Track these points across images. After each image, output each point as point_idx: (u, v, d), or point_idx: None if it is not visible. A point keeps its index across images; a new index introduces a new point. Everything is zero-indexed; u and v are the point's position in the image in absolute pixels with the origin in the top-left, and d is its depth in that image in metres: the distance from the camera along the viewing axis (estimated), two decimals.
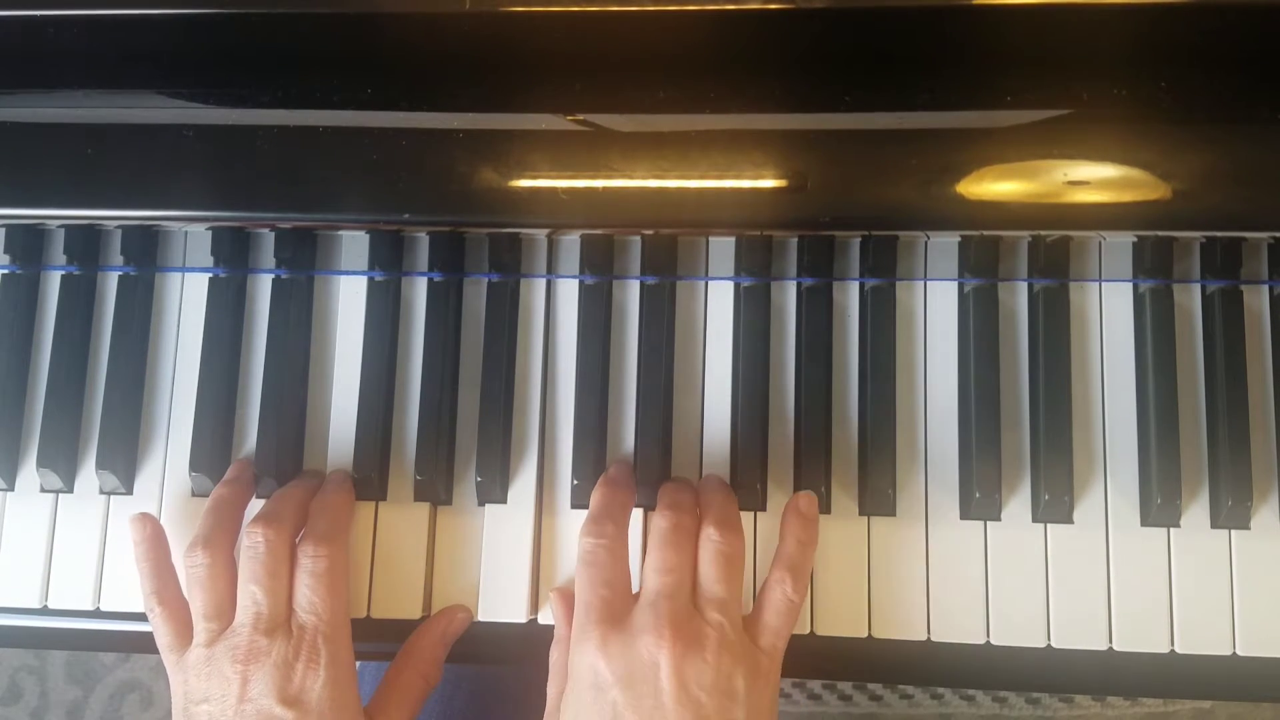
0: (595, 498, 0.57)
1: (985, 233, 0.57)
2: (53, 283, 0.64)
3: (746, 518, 0.59)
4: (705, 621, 0.52)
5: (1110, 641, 0.57)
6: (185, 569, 0.56)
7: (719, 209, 0.53)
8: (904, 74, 0.53)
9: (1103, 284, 0.60)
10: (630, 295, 0.62)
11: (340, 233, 0.62)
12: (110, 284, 0.64)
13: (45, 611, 0.62)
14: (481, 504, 0.61)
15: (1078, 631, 0.57)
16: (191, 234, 0.62)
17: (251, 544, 0.55)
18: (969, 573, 0.58)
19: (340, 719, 0.53)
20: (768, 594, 0.55)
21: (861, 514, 0.59)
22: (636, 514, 0.59)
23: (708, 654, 0.50)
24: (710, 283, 0.62)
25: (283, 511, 0.57)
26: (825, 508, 0.59)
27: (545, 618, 0.59)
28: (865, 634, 0.58)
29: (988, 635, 0.58)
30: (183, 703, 0.54)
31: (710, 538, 0.54)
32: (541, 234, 0.60)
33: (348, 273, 0.63)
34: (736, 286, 0.61)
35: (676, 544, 0.53)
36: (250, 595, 0.54)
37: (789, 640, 0.55)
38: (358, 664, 0.58)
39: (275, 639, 0.53)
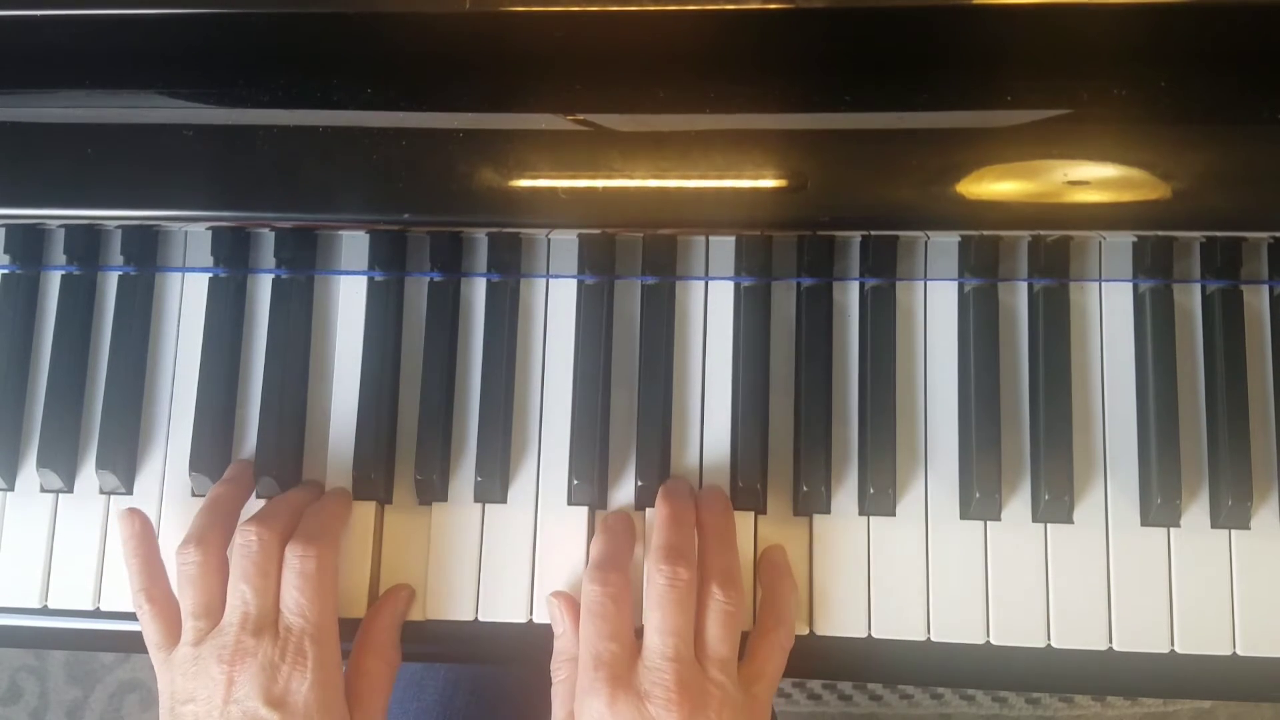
0: (597, 544, 0.58)
1: (985, 233, 0.57)
2: (53, 283, 0.64)
3: (746, 519, 0.59)
4: (709, 680, 0.53)
5: (1110, 641, 0.57)
6: (177, 565, 0.56)
7: (719, 209, 0.53)
8: (904, 74, 0.53)
9: (1103, 284, 0.60)
10: (630, 295, 0.62)
11: (340, 233, 0.62)
12: (110, 284, 0.64)
13: (45, 611, 0.62)
14: (481, 504, 0.61)
15: (1078, 631, 0.57)
16: (191, 234, 0.62)
17: (245, 542, 0.54)
18: (969, 573, 0.58)
19: None
20: (761, 643, 0.56)
21: (861, 514, 0.59)
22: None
23: (710, 713, 0.52)
24: (710, 283, 0.62)
25: (278, 513, 0.57)
26: (825, 508, 0.59)
27: (543, 618, 0.59)
28: (865, 634, 0.58)
29: (988, 635, 0.58)
30: (169, 702, 0.54)
31: (715, 597, 0.54)
32: (541, 234, 0.60)
33: (348, 273, 0.63)
34: (736, 286, 0.61)
35: (679, 603, 0.53)
36: (240, 594, 0.54)
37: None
38: None
39: (262, 639, 0.53)
